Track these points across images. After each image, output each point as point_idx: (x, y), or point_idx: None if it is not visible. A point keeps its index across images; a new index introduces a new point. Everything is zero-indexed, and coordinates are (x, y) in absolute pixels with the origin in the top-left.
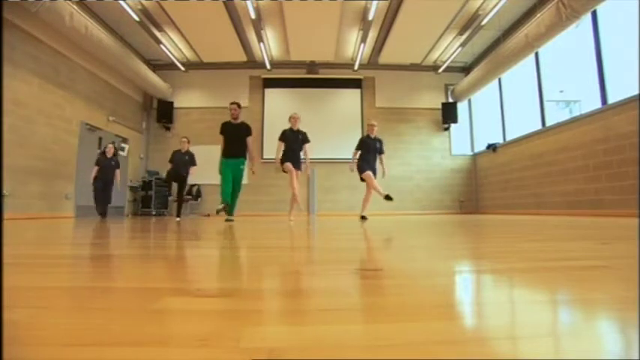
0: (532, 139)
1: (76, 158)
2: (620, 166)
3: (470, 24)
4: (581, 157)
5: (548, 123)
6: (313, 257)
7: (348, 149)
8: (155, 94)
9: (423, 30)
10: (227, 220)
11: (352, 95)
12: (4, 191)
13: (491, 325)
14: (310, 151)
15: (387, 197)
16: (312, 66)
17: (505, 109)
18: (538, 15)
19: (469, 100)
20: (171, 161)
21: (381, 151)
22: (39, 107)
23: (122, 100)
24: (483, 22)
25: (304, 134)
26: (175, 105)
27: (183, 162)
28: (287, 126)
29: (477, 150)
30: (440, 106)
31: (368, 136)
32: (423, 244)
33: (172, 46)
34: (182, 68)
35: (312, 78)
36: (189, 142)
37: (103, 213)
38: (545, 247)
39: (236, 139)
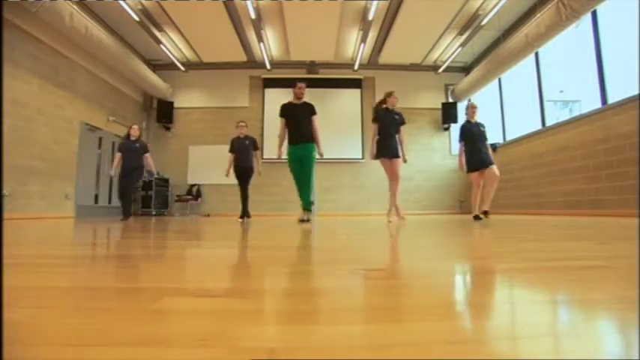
0: (532, 139)
1: (76, 158)
2: (620, 166)
3: (470, 24)
4: (581, 157)
5: (548, 123)
6: (313, 257)
7: (348, 149)
8: (155, 94)
9: (423, 30)
10: (302, 221)
11: (352, 95)
12: (4, 191)
13: (491, 325)
14: (405, 135)
15: (478, 217)
16: (312, 66)
17: (505, 109)
18: (538, 15)
19: (469, 100)
20: (232, 151)
21: (486, 137)
22: (39, 107)
23: (122, 100)
24: (483, 22)
25: (400, 115)
26: (175, 105)
27: (245, 148)
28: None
29: None
30: (440, 106)
31: (469, 122)
32: (423, 244)
33: (172, 46)
34: (182, 68)
35: (312, 78)
36: (246, 125)
37: (126, 212)
38: (546, 247)
39: (301, 121)
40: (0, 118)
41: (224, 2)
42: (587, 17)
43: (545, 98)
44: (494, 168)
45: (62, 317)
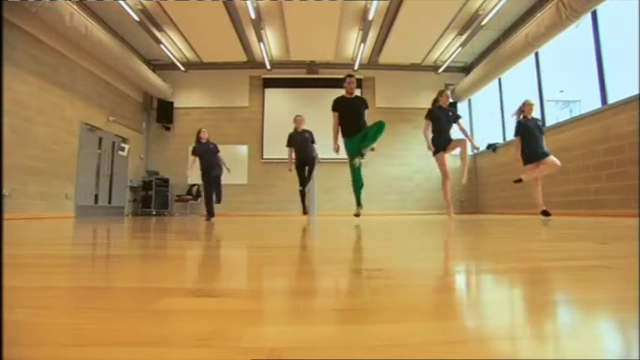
0: None
1: (76, 158)
2: (620, 166)
3: (470, 24)
4: (581, 157)
5: (548, 123)
6: (313, 257)
7: None
8: (155, 94)
9: (423, 30)
10: (356, 215)
11: None
12: (4, 191)
13: (491, 325)
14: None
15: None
16: (312, 66)
17: (505, 109)
18: (538, 15)
19: (469, 100)
20: (290, 145)
21: (542, 131)
22: (39, 107)
23: (122, 100)
24: (483, 22)
25: (453, 110)
26: (175, 105)
27: (305, 142)
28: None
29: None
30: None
31: (525, 118)
32: (423, 244)
33: (172, 46)
34: (182, 68)
35: (313, 78)
36: (304, 119)
37: (211, 212)
38: (546, 247)
39: (353, 115)
40: (0, 118)
41: (224, 2)
42: (587, 17)
43: (545, 98)
44: (553, 157)
45: (62, 317)
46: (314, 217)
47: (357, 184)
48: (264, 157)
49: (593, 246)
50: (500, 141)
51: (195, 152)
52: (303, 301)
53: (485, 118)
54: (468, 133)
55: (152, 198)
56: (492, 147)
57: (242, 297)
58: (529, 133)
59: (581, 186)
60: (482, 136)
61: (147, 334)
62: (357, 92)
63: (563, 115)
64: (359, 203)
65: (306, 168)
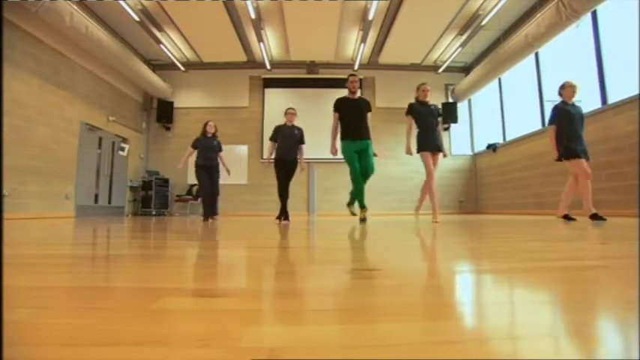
0: (532, 139)
1: (76, 158)
2: (620, 166)
3: (470, 24)
4: None
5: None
6: (312, 257)
7: None
8: (155, 94)
9: (423, 30)
10: (362, 221)
11: None
12: (4, 191)
13: (491, 325)
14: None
15: None
16: (312, 66)
17: (505, 109)
18: (538, 15)
19: (469, 100)
20: (274, 139)
21: (582, 121)
22: (39, 107)
23: (122, 100)
24: (483, 22)
25: (436, 105)
26: (175, 105)
27: (292, 138)
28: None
29: (477, 150)
30: (440, 106)
31: (564, 103)
32: (422, 243)
33: (172, 46)
34: (182, 68)
35: (312, 78)
36: (296, 113)
37: (213, 213)
38: (545, 247)
39: (356, 117)
40: (0, 118)
41: (224, 2)
42: (587, 17)
43: (545, 98)
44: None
45: (62, 317)
46: (314, 217)
47: (359, 197)
48: (264, 157)
49: (593, 246)
50: (500, 141)
51: (195, 145)
52: (302, 301)
53: (486, 119)
54: (442, 139)
55: (152, 198)
56: (492, 147)
57: (242, 297)
58: (570, 121)
59: None
60: (483, 136)
61: (147, 334)
62: (357, 93)
63: None
64: (363, 206)
65: (286, 171)
